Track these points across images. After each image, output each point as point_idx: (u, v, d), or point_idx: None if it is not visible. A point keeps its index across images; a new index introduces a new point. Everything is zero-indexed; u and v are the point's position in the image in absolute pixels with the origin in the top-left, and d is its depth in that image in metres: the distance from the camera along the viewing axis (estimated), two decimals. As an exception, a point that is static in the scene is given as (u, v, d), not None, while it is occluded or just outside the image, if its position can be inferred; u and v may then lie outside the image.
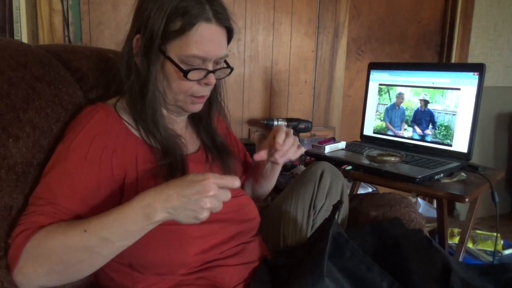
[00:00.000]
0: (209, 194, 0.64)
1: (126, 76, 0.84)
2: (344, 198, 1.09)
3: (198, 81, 0.83)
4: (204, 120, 0.98)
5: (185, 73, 0.80)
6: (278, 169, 1.06)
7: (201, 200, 0.64)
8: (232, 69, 0.89)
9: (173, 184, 0.66)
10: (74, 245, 0.65)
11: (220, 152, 0.97)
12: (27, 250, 0.66)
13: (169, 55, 0.80)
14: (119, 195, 0.78)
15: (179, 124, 0.93)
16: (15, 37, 1.45)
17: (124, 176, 0.79)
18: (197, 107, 0.88)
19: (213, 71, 0.83)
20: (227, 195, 0.67)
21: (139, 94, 0.83)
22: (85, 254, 0.66)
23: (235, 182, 0.67)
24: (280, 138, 0.91)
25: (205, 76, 0.82)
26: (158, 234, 0.74)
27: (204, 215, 0.65)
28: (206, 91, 0.86)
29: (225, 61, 0.88)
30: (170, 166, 0.82)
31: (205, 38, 0.79)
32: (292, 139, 0.93)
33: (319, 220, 1.07)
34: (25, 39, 1.46)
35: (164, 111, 0.89)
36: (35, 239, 0.66)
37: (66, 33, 1.57)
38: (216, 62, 0.84)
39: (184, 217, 0.66)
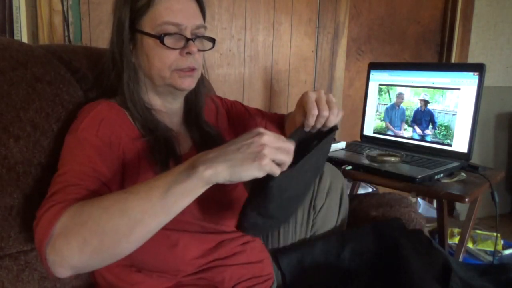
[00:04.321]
0: (263, 137, 0.58)
1: (111, 71, 0.86)
2: (344, 198, 1.10)
3: (179, 51, 0.81)
4: (193, 112, 0.96)
5: (161, 39, 0.79)
6: None
7: (256, 143, 0.58)
8: (214, 40, 0.88)
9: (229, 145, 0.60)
10: (111, 207, 0.59)
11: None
12: (60, 222, 0.59)
13: (143, 30, 0.81)
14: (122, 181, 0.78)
15: (172, 119, 0.91)
16: (15, 37, 1.45)
17: (124, 164, 0.79)
18: (188, 82, 0.84)
19: (192, 39, 0.82)
20: (286, 145, 0.60)
21: (120, 83, 0.84)
22: (123, 219, 0.58)
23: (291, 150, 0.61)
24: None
25: (185, 45, 0.81)
26: (152, 241, 0.74)
27: (265, 160, 0.57)
28: (191, 63, 0.83)
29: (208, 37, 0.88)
30: (162, 165, 0.81)
31: (174, 7, 0.81)
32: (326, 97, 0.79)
33: (319, 220, 1.07)
34: (25, 39, 1.46)
35: (156, 103, 0.88)
36: (69, 211, 0.60)
37: (66, 33, 1.56)
38: (194, 34, 0.83)
39: (242, 164, 0.57)
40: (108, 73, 0.87)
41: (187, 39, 0.81)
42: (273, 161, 0.59)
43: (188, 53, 0.81)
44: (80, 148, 0.73)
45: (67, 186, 0.66)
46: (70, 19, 1.56)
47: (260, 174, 0.58)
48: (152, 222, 0.59)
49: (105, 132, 0.77)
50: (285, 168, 0.61)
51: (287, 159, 0.61)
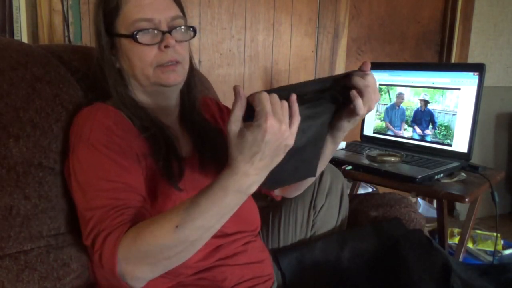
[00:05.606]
0: (282, 128, 0.57)
1: (99, 75, 0.86)
2: (344, 198, 1.09)
3: (158, 46, 0.79)
4: (187, 106, 0.94)
5: (134, 38, 0.77)
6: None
7: (280, 141, 0.58)
8: (194, 29, 0.85)
9: (245, 154, 0.58)
10: (169, 243, 0.63)
11: (212, 149, 0.91)
12: (122, 255, 0.64)
13: (118, 32, 0.81)
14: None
15: (168, 117, 0.90)
16: (15, 37, 1.45)
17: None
18: (173, 77, 0.81)
19: (168, 32, 0.80)
20: (286, 113, 0.60)
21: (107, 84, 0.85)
22: (182, 245, 0.64)
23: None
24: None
25: (162, 39, 0.79)
26: None
27: (291, 141, 0.60)
28: (172, 56, 0.80)
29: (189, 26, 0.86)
30: (164, 161, 0.80)
31: (144, 2, 0.79)
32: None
33: (319, 220, 1.07)
34: (25, 39, 1.46)
35: (149, 102, 0.87)
36: (124, 244, 0.65)
37: (66, 33, 1.56)
38: (171, 26, 0.81)
39: (276, 161, 0.61)
40: (98, 77, 0.87)
41: (163, 33, 0.80)
42: None
43: (166, 46, 0.79)
44: (99, 162, 0.73)
45: (109, 210, 0.68)
46: (70, 19, 1.56)
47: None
48: (210, 235, 0.67)
49: (114, 140, 0.76)
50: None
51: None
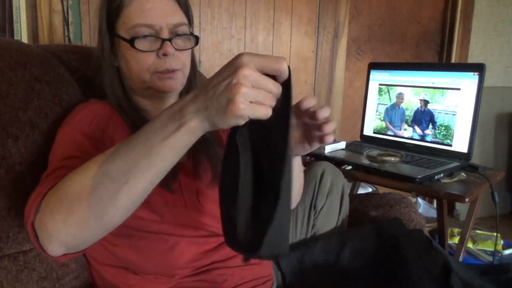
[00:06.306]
0: (242, 70, 0.47)
1: (98, 73, 0.87)
2: (344, 198, 1.09)
3: (156, 52, 0.77)
4: None
5: (131, 44, 0.76)
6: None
7: (233, 81, 0.47)
8: (197, 38, 0.83)
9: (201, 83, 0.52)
10: (91, 171, 0.53)
11: (209, 154, 0.88)
12: (44, 200, 0.58)
13: (118, 33, 0.80)
14: None
15: None
16: (15, 37, 1.45)
17: None
18: (169, 84, 0.80)
19: (169, 39, 0.77)
20: (268, 83, 0.50)
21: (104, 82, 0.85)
22: (105, 182, 0.52)
23: (282, 63, 0.51)
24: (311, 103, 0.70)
25: (161, 46, 0.77)
26: (149, 245, 0.76)
27: (240, 106, 0.47)
28: (170, 64, 0.78)
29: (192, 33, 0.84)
30: None
31: (146, 6, 0.77)
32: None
33: (320, 220, 1.07)
34: (25, 39, 1.46)
35: (145, 104, 0.86)
36: (52, 189, 0.58)
37: (66, 33, 1.56)
38: (173, 33, 0.79)
39: (217, 114, 0.48)
40: (97, 76, 0.87)
41: (163, 40, 0.77)
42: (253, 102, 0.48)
43: (165, 54, 0.77)
44: (70, 138, 0.73)
45: (56, 169, 0.66)
46: (70, 19, 1.56)
47: (239, 121, 0.49)
48: (139, 183, 0.53)
49: (97, 127, 0.77)
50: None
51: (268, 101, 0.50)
